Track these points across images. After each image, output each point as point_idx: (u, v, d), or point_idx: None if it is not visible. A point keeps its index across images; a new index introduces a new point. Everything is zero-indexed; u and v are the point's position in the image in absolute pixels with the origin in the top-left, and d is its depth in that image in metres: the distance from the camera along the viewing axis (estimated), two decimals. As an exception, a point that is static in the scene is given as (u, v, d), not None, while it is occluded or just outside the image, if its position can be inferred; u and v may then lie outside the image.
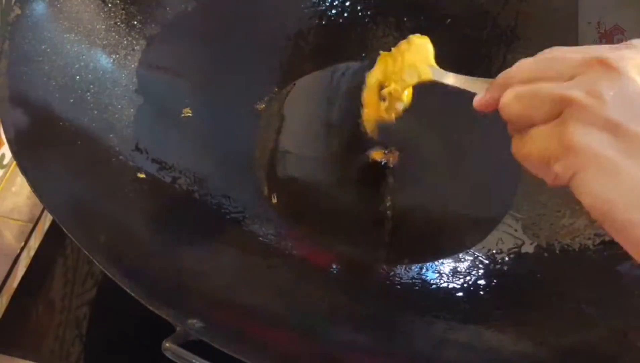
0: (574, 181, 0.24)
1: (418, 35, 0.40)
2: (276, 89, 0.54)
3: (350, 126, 0.51)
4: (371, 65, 0.55)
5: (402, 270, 0.44)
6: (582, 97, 0.24)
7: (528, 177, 0.49)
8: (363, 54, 0.57)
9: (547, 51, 0.28)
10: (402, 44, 0.40)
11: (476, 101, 0.31)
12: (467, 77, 0.35)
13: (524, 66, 0.28)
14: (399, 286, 0.43)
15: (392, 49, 0.41)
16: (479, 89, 0.31)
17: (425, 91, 0.54)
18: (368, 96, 0.43)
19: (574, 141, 0.24)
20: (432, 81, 0.38)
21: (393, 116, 0.42)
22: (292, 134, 0.51)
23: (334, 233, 0.46)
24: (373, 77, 0.43)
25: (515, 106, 0.27)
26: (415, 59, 0.40)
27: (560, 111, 0.25)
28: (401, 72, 0.40)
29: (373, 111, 0.43)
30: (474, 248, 0.45)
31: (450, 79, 0.36)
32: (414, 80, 0.39)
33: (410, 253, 0.45)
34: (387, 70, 0.42)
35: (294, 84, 0.54)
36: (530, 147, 0.26)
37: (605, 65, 0.25)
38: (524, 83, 0.27)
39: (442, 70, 0.38)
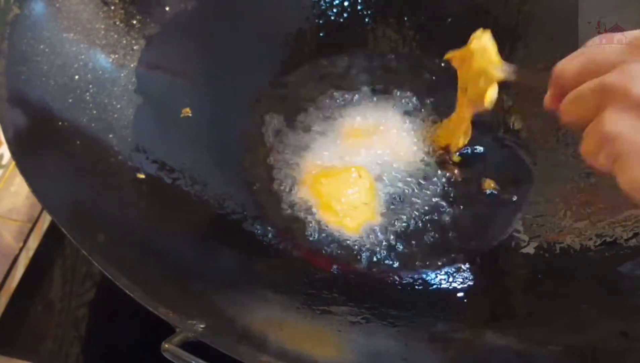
0: (615, 168, 0.25)
1: (477, 35, 0.42)
2: (276, 88, 0.54)
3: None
4: (371, 63, 0.56)
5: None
6: (616, 82, 0.25)
7: (530, 179, 0.49)
8: (363, 54, 0.57)
9: (588, 43, 0.28)
10: (467, 49, 0.43)
11: (545, 103, 0.32)
12: (530, 72, 0.39)
13: (568, 65, 0.29)
14: (399, 287, 0.43)
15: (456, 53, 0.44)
16: (541, 83, 0.33)
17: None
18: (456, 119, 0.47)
19: (608, 130, 0.25)
20: (504, 79, 0.40)
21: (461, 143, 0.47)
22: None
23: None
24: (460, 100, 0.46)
25: (570, 112, 0.28)
26: (484, 65, 0.41)
27: (603, 101, 0.26)
28: (475, 81, 0.42)
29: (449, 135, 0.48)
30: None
31: (517, 75, 0.39)
32: (488, 85, 0.41)
33: (414, 262, 0.45)
34: (462, 76, 0.45)
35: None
36: (585, 144, 0.27)
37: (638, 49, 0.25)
38: (574, 81, 0.28)
39: (508, 66, 0.40)
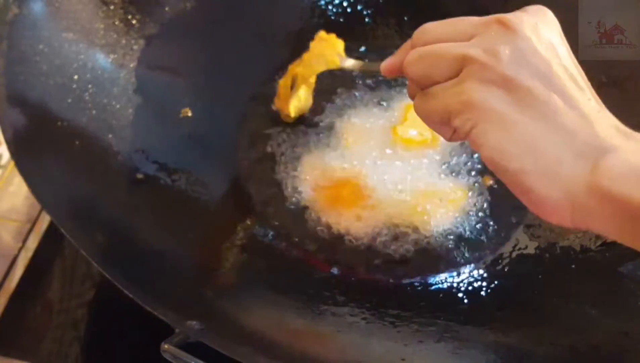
0: (472, 134, 0.26)
1: (324, 32, 0.47)
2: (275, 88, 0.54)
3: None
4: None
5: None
6: (480, 55, 0.26)
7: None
8: (362, 53, 0.57)
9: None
10: (315, 41, 0.47)
11: (383, 66, 0.33)
12: (369, 62, 0.44)
13: (427, 28, 0.30)
14: (399, 287, 0.43)
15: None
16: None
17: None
18: (283, 82, 0.49)
19: (472, 97, 0.25)
20: (339, 67, 0.45)
21: (292, 111, 0.49)
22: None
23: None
24: (292, 69, 0.49)
25: (418, 65, 0.28)
26: (325, 50, 0.46)
27: (460, 69, 0.26)
28: (310, 60, 0.47)
29: (282, 99, 0.49)
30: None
31: (353, 64, 0.43)
32: (322, 67, 0.46)
33: (414, 263, 0.44)
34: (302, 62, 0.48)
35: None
36: (432, 103, 0.28)
37: (502, 24, 0.26)
38: (428, 44, 0.28)
39: (347, 58, 0.44)
